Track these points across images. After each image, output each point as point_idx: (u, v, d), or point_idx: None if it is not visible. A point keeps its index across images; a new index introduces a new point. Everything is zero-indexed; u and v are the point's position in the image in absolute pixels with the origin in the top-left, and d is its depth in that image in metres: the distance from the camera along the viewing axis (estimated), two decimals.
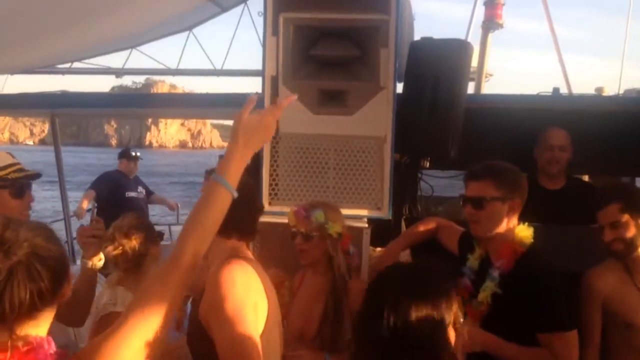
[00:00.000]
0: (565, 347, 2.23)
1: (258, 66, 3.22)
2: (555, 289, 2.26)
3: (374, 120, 3.04)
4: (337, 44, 3.05)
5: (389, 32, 2.96)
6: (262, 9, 3.05)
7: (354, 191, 3.08)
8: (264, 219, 2.98)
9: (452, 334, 1.51)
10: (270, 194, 3.10)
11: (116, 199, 6.27)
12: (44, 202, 19.23)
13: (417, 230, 2.92)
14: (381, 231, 3.06)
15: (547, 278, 2.28)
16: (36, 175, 2.42)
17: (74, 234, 5.36)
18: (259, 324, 1.92)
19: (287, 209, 2.77)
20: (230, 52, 5.40)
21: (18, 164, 2.32)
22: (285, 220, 2.69)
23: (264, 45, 3.09)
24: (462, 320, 1.56)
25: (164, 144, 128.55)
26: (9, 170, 2.29)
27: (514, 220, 2.39)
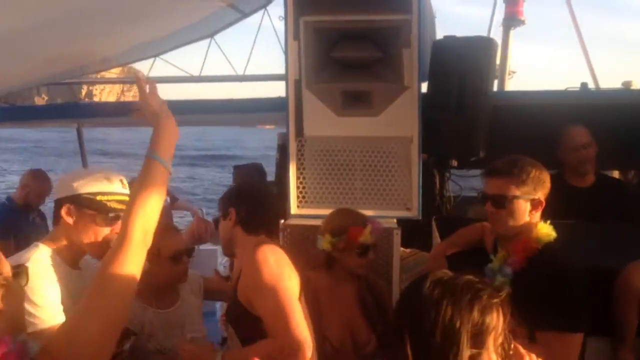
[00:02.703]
0: (563, 348, 2.07)
1: (279, 70, 3.23)
2: (565, 286, 2.12)
3: (399, 120, 3.02)
4: (359, 46, 3.04)
5: (411, 32, 2.93)
6: (282, 14, 3.05)
7: (382, 192, 3.06)
8: (292, 222, 3.00)
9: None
10: (298, 198, 3.10)
11: None
12: None
13: (463, 233, 2.81)
14: (411, 232, 3.03)
15: (559, 276, 2.15)
16: None
17: None
18: (295, 291, 2.10)
19: (315, 212, 2.76)
20: (252, 58, 5.42)
21: (125, 194, 2.19)
22: (314, 223, 2.68)
23: (285, 50, 3.09)
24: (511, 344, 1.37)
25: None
26: (113, 198, 2.16)
27: (536, 217, 2.28)
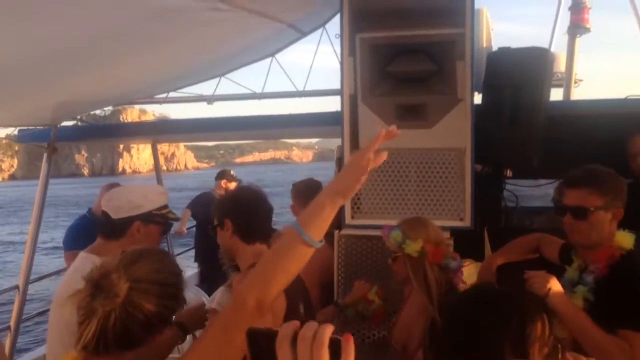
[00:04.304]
0: (638, 349, 2.01)
1: (337, 86, 3.35)
2: None
3: (453, 132, 3.06)
4: (413, 60, 3.11)
5: (465, 45, 2.98)
6: (339, 32, 3.18)
7: (435, 203, 3.11)
8: (347, 232, 3.11)
9: None
10: (352, 208, 3.20)
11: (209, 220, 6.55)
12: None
13: (518, 243, 2.79)
14: (465, 242, 3.05)
15: None
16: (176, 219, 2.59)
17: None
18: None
19: (369, 222, 2.84)
20: (311, 75, 5.60)
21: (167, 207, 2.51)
22: (368, 233, 2.76)
23: (341, 66, 3.21)
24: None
25: (137, 169, 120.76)
26: (167, 211, 2.46)
27: (614, 226, 2.25)
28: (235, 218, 2.25)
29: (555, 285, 2.07)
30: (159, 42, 3.03)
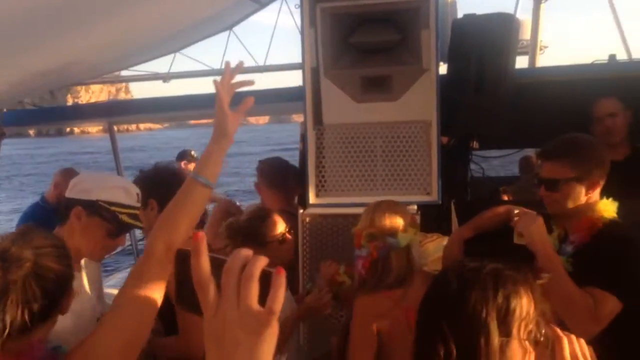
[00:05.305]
0: (604, 308, 2.02)
1: (299, 59, 3.21)
2: (627, 256, 2.07)
3: (419, 104, 2.99)
4: (377, 29, 3.00)
5: (429, 13, 2.88)
6: (299, 2, 3.04)
7: (402, 178, 3.04)
8: (312, 211, 3.01)
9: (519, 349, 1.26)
10: (317, 186, 3.09)
11: None
12: None
13: (486, 216, 2.79)
14: (432, 216, 3.00)
15: (623, 249, 2.09)
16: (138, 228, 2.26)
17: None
18: None
19: (335, 200, 2.75)
20: (272, 48, 5.44)
21: (137, 208, 2.17)
22: (334, 211, 2.67)
23: (302, 38, 3.08)
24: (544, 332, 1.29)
25: (85, 129, 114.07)
26: (124, 210, 2.11)
27: (595, 195, 2.22)
28: (158, 197, 2.20)
29: (539, 226, 2.10)
30: (106, 14, 2.82)
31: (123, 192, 2.11)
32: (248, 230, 2.58)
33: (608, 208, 2.20)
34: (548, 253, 2.09)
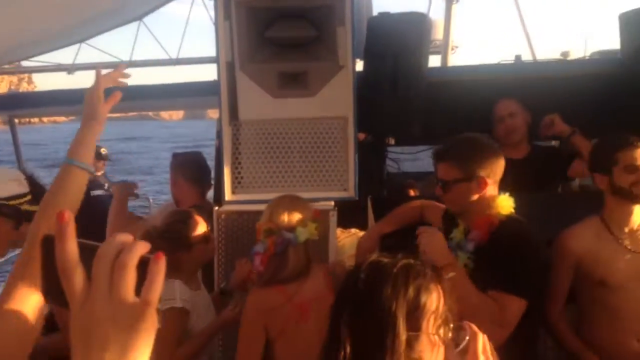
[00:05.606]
0: (510, 312, 2.09)
1: (213, 53, 3.11)
2: (522, 254, 2.15)
3: (335, 100, 2.99)
4: (293, 25, 2.97)
5: (345, 10, 2.89)
6: None
7: (319, 174, 3.03)
8: (227, 208, 2.94)
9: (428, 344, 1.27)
10: (233, 183, 3.02)
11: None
12: None
13: (401, 211, 2.81)
14: (349, 212, 3.02)
15: (520, 246, 2.17)
16: None
17: None
18: None
19: (252, 197, 2.70)
20: (187, 40, 5.24)
21: (29, 194, 2.09)
22: (250, 208, 2.62)
23: (216, 31, 2.98)
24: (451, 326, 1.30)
25: None
26: (22, 200, 2.07)
27: (491, 191, 2.28)
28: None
29: (438, 240, 2.16)
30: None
31: (16, 183, 2.07)
32: (170, 235, 2.47)
33: (505, 204, 2.27)
34: (451, 264, 2.14)
